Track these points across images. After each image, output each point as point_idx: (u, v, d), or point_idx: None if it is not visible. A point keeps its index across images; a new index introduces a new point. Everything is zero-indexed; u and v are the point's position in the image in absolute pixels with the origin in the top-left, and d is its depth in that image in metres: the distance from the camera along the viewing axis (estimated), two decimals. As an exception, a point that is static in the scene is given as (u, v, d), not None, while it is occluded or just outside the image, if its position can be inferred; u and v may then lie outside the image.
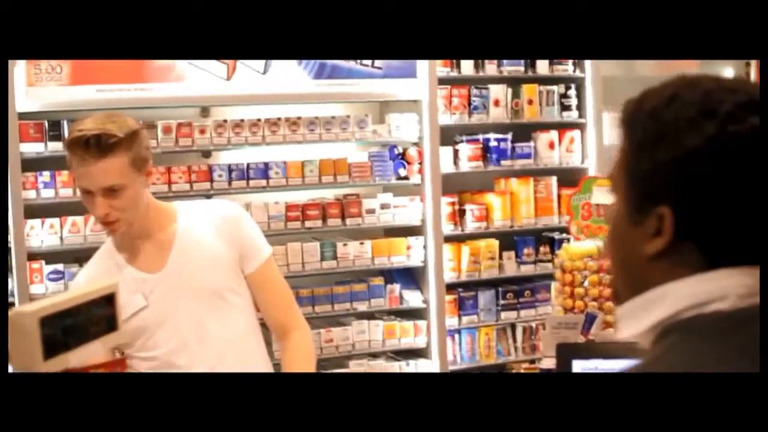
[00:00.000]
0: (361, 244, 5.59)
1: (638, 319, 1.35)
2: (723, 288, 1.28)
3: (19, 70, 4.85)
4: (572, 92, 6.20)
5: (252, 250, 3.04)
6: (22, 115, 4.89)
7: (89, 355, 1.81)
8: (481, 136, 5.97)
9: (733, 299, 1.27)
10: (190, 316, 2.92)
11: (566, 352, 2.97)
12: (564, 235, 5.70)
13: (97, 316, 1.89)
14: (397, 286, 5.72)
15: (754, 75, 6.32)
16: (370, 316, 5.70)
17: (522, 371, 4.99)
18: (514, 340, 6.02)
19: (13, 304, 4.73)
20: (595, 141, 6.19)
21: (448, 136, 5.85)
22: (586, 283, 3.82)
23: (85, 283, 2.92)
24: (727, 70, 6.51)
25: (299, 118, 5.44)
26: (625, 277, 1.40)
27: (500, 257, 5.98)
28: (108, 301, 1.95)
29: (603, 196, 3.95)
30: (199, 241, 2.96)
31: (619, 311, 1.40)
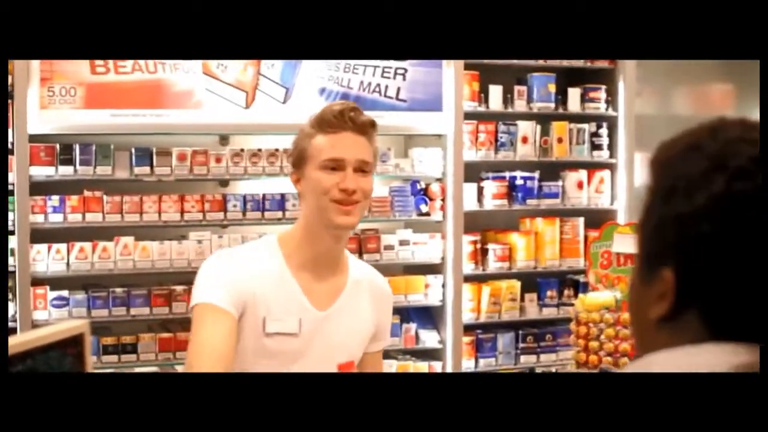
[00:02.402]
0: (378, 280, 5.44)
1: None
2: (700, 366, 1.13)
3: (32, 92, 4.77)
4: (604, 131, 6.03)
5: (384, 332, 2.90)
6: (33, 138, 4.80)
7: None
8: (507, 174, 5.82)
9: None
10: (318, 370, 2.69)
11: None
12: (589, 279, 5.53)
13: (62, 358, 1.75)
14: (413, 326, 5.56)
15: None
16: (384, 355, 5.51)
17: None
18: (534, 386, 5.82)
19: (15, 330, 4.63)
20: (625, 182, 6.00)
21: (472, 172, 5.70)
22: (602, 337, 3.63)
23: (236, 275, 2.61)
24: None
25: (319, 149, 5.30)
26: (636, 337, 1.28)
27: (522, 299, 5.81)
28: (75, 342, 1.80)
29: (624, 244, 3.77)
30: (359, 303, 2.78)
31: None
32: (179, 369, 5.00)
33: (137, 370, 4.90)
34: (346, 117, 2.58)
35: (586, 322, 3.67)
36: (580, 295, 3.90)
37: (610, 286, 3.83)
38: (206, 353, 2.47)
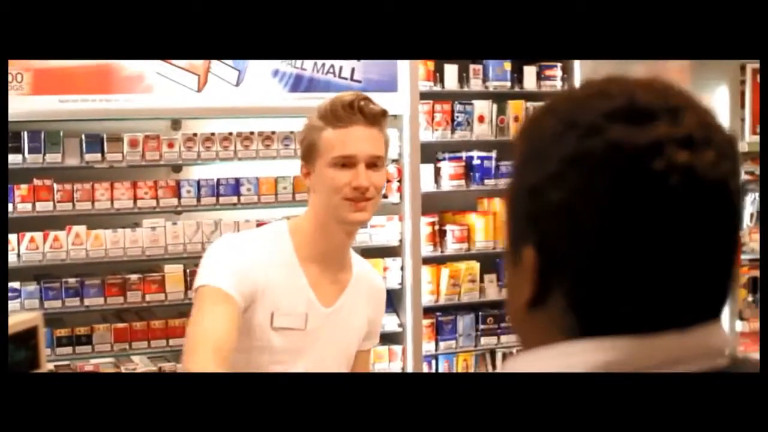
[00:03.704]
0: (336, 264, 5.38)
1: None
2: (570, 368, 1.00)
3: (-23, 78, 4.64)
4: (560, 109, 5.99)
5: (376, 331, 2.87)
6: (-21, 126, 4.67)
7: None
8: (464, 154, 5.76)
9: None
10: (320, 368, 2.67)
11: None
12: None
13: (15, 353, 1.67)
14: (372, 309, 5.51)
15: (749, 91, 6.13)
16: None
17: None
18: (494, 367, 5.81)
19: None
20: (582, 160, 5.96)
21: (429, 153, 5.64)
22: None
23: (247, 264, 2.55)
24: (721, 87, 6.31)
25: (273, 132, 5.22)
26: (513, 329, 1.13)
27: (481, 280, 5.76)
28: (29, 335, 1.73)
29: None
30: (359, 301, 2.76)
31: None
32: (135, 359, 4.92)
33: (93, 361, 4.81)
34: (356, 108, 2.51)
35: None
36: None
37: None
38: (205, 341, 2.38)
